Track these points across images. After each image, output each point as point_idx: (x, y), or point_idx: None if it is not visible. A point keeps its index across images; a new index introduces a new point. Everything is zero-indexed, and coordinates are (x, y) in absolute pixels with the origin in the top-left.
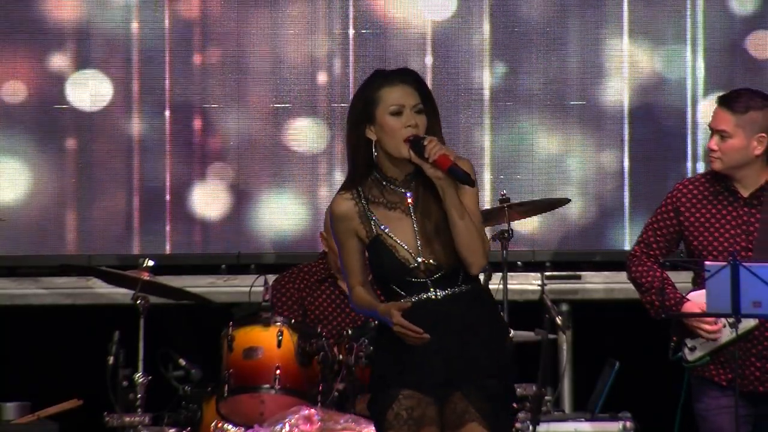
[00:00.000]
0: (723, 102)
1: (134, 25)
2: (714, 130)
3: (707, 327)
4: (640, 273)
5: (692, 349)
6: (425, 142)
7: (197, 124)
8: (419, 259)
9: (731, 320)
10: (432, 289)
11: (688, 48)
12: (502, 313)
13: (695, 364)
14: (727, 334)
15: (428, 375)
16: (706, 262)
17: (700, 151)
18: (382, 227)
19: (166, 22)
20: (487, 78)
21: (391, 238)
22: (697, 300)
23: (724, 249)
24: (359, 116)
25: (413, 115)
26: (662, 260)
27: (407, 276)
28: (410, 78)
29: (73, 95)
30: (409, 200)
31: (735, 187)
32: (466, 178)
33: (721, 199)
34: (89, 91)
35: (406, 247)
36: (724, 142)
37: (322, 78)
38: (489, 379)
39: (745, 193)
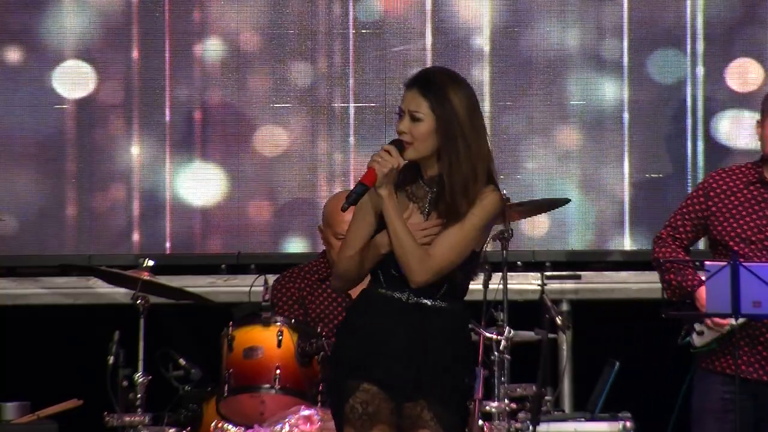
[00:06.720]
0: None
1: (134, 24)
2: None
3: (715, 319)
4: (663, 254)
5: (700, 334)
6: (382, 150)
7: (197, 123)
8: None
9: None
10: (406, 291)
11: (689, 48)
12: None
13: (702, 350)
14: (733, 321)
15: (393, 371)
16: (707, 262)
17: (700, 150)
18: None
19: (167, 19)
20: (486, 78)
21: None
22: None
23: (747, 237)
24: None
25: (406, 121)
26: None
27: (394, 269)
28: (422, 83)
29: (72, 94)
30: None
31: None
32: (348, 199)
33: (751, 189)
34: (89, 89)
35: None
36: None
37: (322, 78)
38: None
39: None
